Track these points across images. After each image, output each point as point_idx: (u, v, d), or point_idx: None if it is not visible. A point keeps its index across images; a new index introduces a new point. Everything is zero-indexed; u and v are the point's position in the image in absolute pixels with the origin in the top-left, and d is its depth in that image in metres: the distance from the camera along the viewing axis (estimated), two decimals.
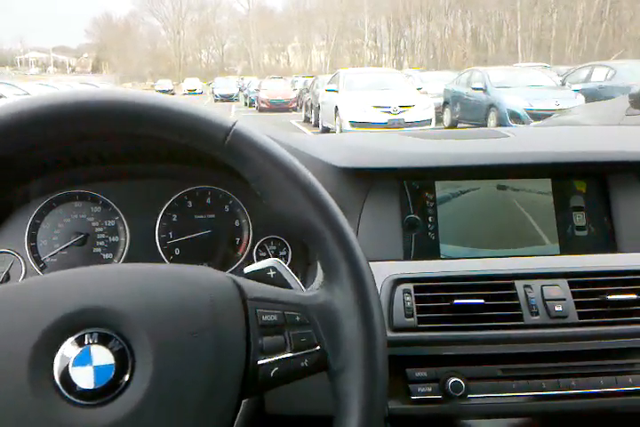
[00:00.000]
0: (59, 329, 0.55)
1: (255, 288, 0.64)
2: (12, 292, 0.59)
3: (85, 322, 0.56)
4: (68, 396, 0.53)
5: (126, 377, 0.54)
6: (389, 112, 10.94)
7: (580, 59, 37.18)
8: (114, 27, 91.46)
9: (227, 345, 0.58)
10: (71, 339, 0.55)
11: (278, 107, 23.39)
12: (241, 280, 0.64)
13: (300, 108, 24.54)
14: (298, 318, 0.63)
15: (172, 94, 46.00)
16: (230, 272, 1.10)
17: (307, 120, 17.12)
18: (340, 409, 0.62)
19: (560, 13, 47.67)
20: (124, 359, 0.54)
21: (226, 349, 0.58)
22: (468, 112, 12.56)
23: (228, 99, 33.89)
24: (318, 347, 0.63)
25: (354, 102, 11.18)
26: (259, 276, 0.69)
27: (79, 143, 1.00)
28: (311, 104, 16.19)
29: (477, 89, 12.12)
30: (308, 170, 0.66)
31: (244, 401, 0.60)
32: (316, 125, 14.69)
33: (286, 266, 0.71)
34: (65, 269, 0.63)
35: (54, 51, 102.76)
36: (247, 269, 0.71)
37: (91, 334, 0.55)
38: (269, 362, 0.60)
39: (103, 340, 0.55)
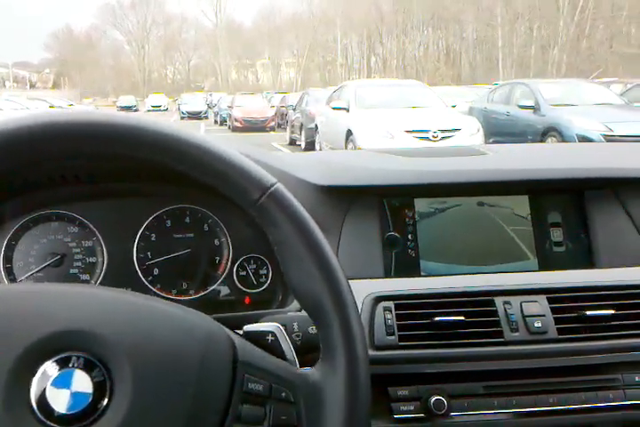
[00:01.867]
0: (44, 347, 0.54)
1: (249, 352, 0.63)
2: (8, 297, 0.58)
3: (72, 344, 0.55)
4: (43, 419, 0.52)
5: (101, 407, 0.53)
6: (427, 138, 8.02)
7: (564, 76, 35.44)
8: (75, 40, 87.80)
9: (204, 405, 0.57)
10: (54, 358, 0.54)
11: (254, 126, 21.16)
12: (237, 339, 0.63)
13: (279, 127, 22.21)
14: (284, 395, 0.61)
15: (136, 111, 43.25)
16: (210, 292, 1.10)
17: (293, 143, 14.43)
18: None
19: (540, 29, 46.22)
20: (102, 391, 0.54)
21: (202, 409, 0.57)
22: (512, 136, 9.76)
23: (195, 116, 31.54)
24: None
25: (375, 125, 8.27)
26: (256, 337, 0.68)
27: (57, 163, 0.97)
28: (301, 124, 13.37)
29: (526, 107, 9.37)
30: (333, 252, 0.65)
31: None
32: (308, 150, 11.89)
33: (286, 335, 0.70)
34: (62, 284, 0.63)
35: (15, 66, 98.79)
36: (247, 328, 0.70)
37: (77, 357, 0.54)
38: None
39: (88, 366, 0.54)
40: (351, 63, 69.75)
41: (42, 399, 0.52)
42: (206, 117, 31.61)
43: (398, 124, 8.13)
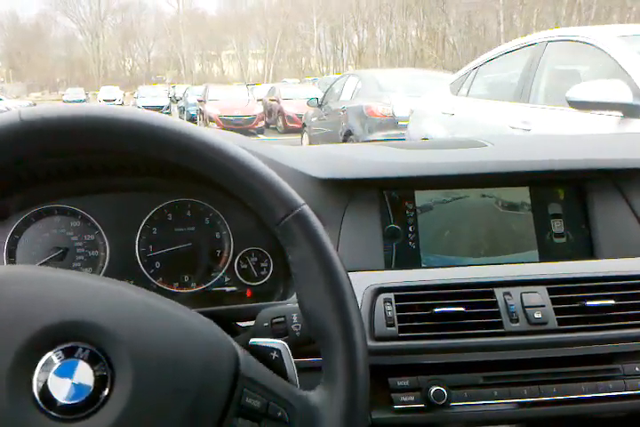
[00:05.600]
0: (50, 335, 0.54)
1: (252, 367, 0.63)
2: (21, 281, 0.58)
3: (78, 335, 0.55)
4: (45, 409, 0.52)
5: (100, 401, 0.53)
6: None
7: None
8: (21, 29, 79.90)
9: (200, 413, 0.57)
10: (60, 347, 0.54)
11: (235, 127, 15.46)
12: (240, 352, 0.63)
13: (267, 128, 16.57)
14: (279, 414, 0.62)
15: None
16: (211, 285, 1.11)
17: None
18: None
19: (543, 13, 41.31)
20: (102, 387, 0.54)
21: (198, 417, 0.57)
22: None
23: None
24: None
25: None
26: (261, 352, 0.68)
27: (59, 158, 0.98)
28: (347, 132, 7.50)
29: None
30: (348, 279, 0.66)
31: None
32: None
33: (290, 354, 0.69)
34: (70, 271, 0.62)
35: None
36: (252, 341, 0.70)
37: (83, 349, 0.54)
38: None
39: (92, 359, 0.54)
40: (325, 53, 64.33)
41: (44, 387, 0.52)
42: (169, 114, 25.67)
43: None
